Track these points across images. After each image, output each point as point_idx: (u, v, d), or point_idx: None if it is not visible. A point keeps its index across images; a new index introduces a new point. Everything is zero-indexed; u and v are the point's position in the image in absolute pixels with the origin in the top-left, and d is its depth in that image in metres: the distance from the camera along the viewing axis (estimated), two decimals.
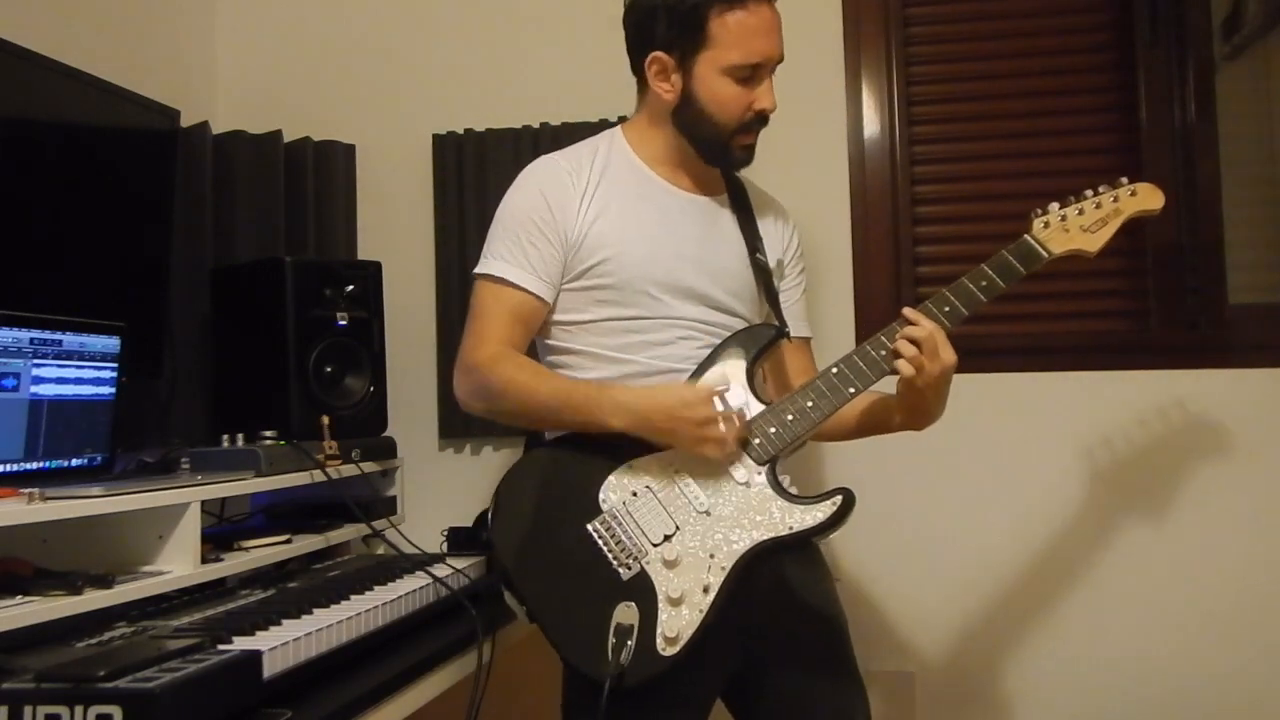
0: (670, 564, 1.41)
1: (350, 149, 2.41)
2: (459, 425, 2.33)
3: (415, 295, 2.34)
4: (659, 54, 1.54)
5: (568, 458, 1.50)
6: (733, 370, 1.52)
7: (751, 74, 1.53)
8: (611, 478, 1.46)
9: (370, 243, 2.39)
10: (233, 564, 1.61)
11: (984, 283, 1.49)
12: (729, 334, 1.58)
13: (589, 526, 1.44)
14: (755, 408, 1.49)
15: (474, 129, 2.34)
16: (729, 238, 1.64)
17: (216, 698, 1.06)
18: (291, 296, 1.93)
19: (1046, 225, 1.52)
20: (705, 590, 1.40)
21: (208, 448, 1.80)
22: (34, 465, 1.52)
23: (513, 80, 2.37)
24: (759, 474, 1.46)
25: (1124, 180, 1.55)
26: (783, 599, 1.55)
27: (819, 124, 2.26)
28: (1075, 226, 1.52)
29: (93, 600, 1.30)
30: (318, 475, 1.81)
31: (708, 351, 1.55)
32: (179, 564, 1.48)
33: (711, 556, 1.41)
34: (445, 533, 1.98)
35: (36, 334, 1.52)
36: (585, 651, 1.38)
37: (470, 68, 2.40)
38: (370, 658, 1.38)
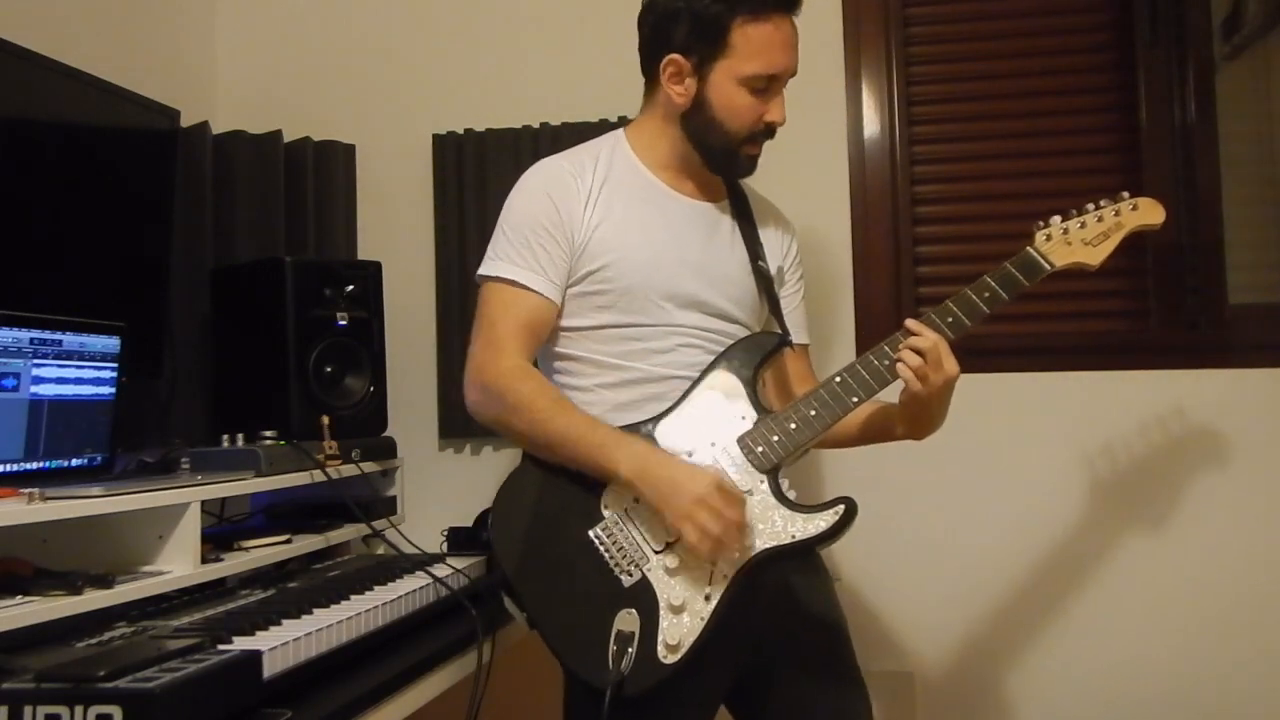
0: (672, 571, 1.41)
1: (350, 149, 2.41)
2: (459, 425, 2.33)
3: (415, 295, 2.34)
4: (676, 57, 1.53)
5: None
6: (731, 380, 1.51)
7: (766, 86, 1.53)
8: (612, 485, 1.45)
9: (370, 243, 2.39)
10: (233, 564, 1.61)
11: (987, 294, 1.49)
12: (730, 342, 1.57)
13: (590, 533, 1.44)
14: (756, 416, 1.49)
15: (474, 129, 2.34)
16: (731, 245, 1.64)
17: (216, 698, 1.06)
18: (291, 296, 1.93)
19: (1049, 238, 1.52)
20: (707, 598, 1.39)
21: (208, 448, 1.80)
22: (34, 465, 1.52)
23: (513, 80, 2.37)
24: (762, 482, 1.45)
25: (1125, 194, 1.55)
26: (784, 605, 1.54)
27: (819, 124, 2.26)
28: (1077, 239, 1.52)
29: (93, 600, 1.30)
30: (318, 475, 1.81)
31: (707, 358, 1.54)
32: (179, 564, 1.48)
33: (713, 564, 1.41)
34: (445, 533, 1.98)
35: (36, 334, 1.52)
36: (586, 658, 1.38)
37: (470, 68, 2.40)
38: (370, 658, 1.38)
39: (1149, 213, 1.54)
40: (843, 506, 1.42)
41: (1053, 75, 2.26)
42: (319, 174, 2.35)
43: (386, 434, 2.10)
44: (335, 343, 1.99)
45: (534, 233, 1.54)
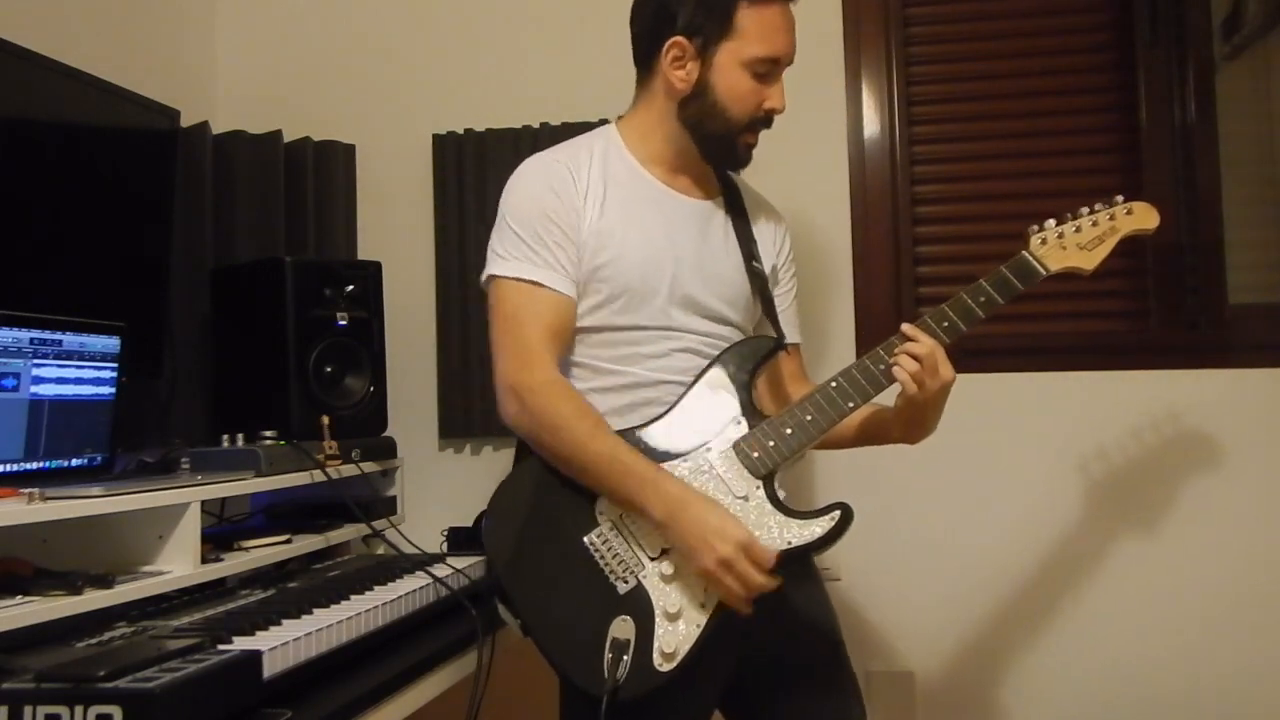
0: (668, 579, 1.40)
1: (350, 149, 2.41)
2: (459, 425, 2.33)
3: (415, 295, 2.34)
4: (680, 39, 1.52)
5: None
6: (726, 384, 1.50)
7: (769, 71, 1.52)
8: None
9: (370, 243, 2.39)
10: (233, 564, 1.61)
11: (982, 299, 1.49)
12: (722, 345, 1.56)
13: (585, 539, 1.43)
14: (751, 420, 1.48)
15: (474, 129, 2.34)
16: (725, 243, 1.62)
17: (216, 698, 1.06)
18: (291, 296, 1.93)
19: (1044, 242, 1.52)
20: (703, 606, 1.39)
21: (208, 448, 1.80)
22: (34, 465, 1.52)
23: (513, 80, 2.37)
24: (757, 488, 1.44)
25: (1119, 198, 1.55)
26: (778, 612, 1.53)
27: (819, 124, 2.26)
28: (1072, 244, 1.52)
29: (93, 600, 1.30)
30: (318, 475, 1.81)
31: (701, 361, 1.53)
32: (179, 564, 1.47)
33: None
34: (445, 533, 1.98)
35: (36, 334, 1.52)
36: (580, 666, 1.37)
37: (470, 68, 2.40)
38: (370, 658, 1.37)
39: (1143, 217, 1.54)
40: (839, 512, 1.41)
41: (1053, 75, 2.26)
42: (319, 174, 2.35)
43: (386, 434, 2.10)
44: (335, 343, 1.99)
45: (544, 227, 1.50)
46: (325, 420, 1.91)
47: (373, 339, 2.07)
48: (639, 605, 1.39)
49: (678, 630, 1.38)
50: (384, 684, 1.30)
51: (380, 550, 1.99)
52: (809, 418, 1.46)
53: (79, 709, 0.97)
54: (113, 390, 1.66)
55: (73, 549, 1.44)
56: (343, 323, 2.00)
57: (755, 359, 1.53)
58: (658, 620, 1.38)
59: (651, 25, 1.55)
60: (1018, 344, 2.20)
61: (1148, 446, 2.14)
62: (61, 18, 1.97)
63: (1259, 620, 2.08)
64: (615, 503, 1.43)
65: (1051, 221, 1.53)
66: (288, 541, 1.75)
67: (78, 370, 1.59)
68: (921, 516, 2.20)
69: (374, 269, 2.11)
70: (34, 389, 1.52)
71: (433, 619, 1.57)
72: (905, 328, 1.47)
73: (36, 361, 1.52)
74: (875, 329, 2.21)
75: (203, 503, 1.53)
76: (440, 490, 2.31)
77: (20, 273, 1.64)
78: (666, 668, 1.36)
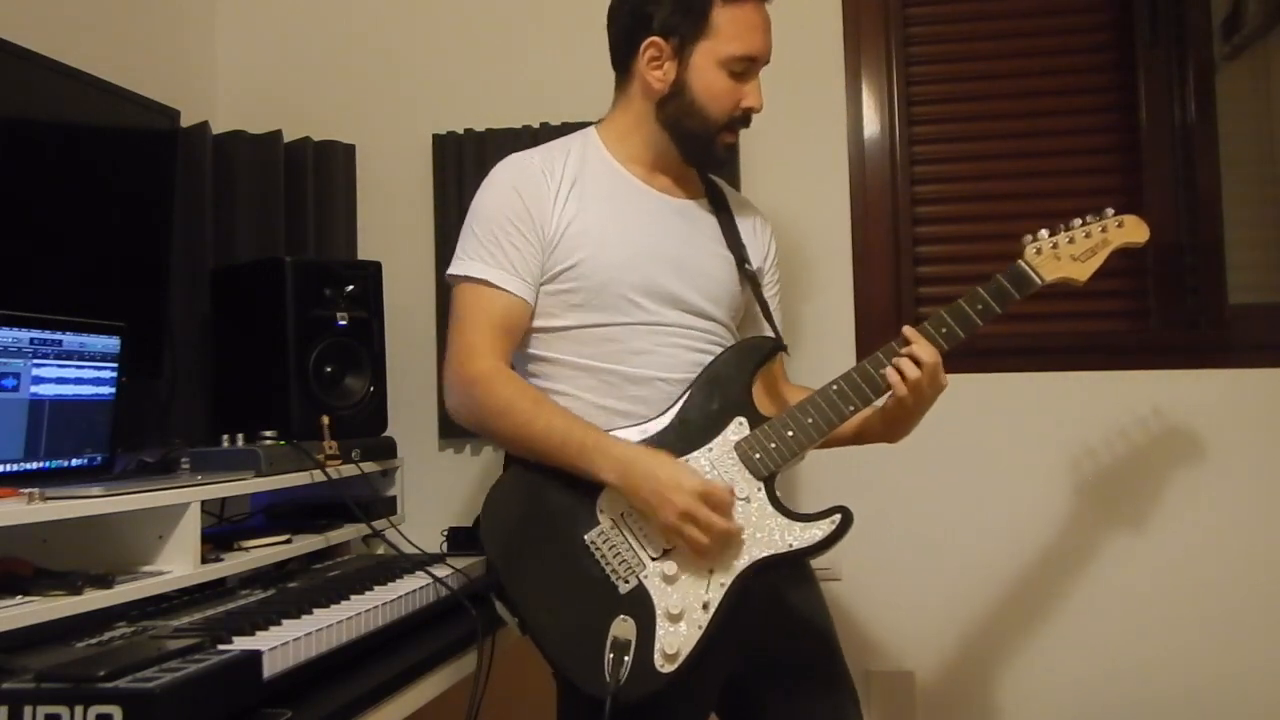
0: (669, 579, 1.40)
1: (350, 149, 2.41)
2: (459, 425, 2.32)
3: (415, 295, 2.34)
4: (656, 39, 1.53)
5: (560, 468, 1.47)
6: (729, 389, 1.50)
7: (745, 69, 1.53)
8: (608, 489, 1.44)
9: (370, 243, 2.39)
10: (233, 564, 1.60)
11: (980, 306, 1.50)
12: (706, 339, 1.56)
13: (586, 538, 1.43)
14: (753, 422, 1.49)
15: (474, 129, 2.33)
16: (709, 242, 1.62)
17: (216, 698, 1.06)
18: (291, 296, 1.93)
19: (1039, 251, 1.53)
20: (705, 607, 1.39)
21: (208, 448, 1.80)
22: (34, 465, 1.52)
23: (513, 80, 2.37)
24: (759, 489, 1.44)
25: (1110, 211, 1.56)
26: (775, 612, 1.54)
27: (819, 124, 2.26)
28: (1066, 254, 1.53)
29: (93, 600, 1.29)
30: (318, 475, 1.80)
31: (687, 356, 1.54)
32: (179, 564, 1.47)
33: (711, 572, 1.40)
34: (445, 533, 1.97)
35: (36, 334, 1.52)
36: (581, 666, 1.37)
37: (470, 68, 2.40)
38: (370, 658, 1.37)
39: (1133, 230, 1.56)
40: (839, 516, 1.41)
41: (1053, 75, 2.26)
42: (319, 174, 2.35)
43: (386, 434, 2.10)
44: (335, 343, 1.99)
45: (502, 230, 1.52)
46: (325, 420, 1.90)
47: (373, 339, 2.07)
48: (640, 605, 1.39)
49: (680, 631, 1.38)
50: (384, 684, 1.30)
51: (380, 550, 1.99)
52: (810, 420, 1.47)
53: (79, 709, 0.97)
54: (113, 390, 1.66)
55: (73, 549, 1.44)
56: (343, 323, 2.00)
57: (756, 359, 1.54)
58: (659, 621, 1.38)
59: (628, 26, 1.57)
60: (1017, 344, 2.20)
61: (1147, 447, 2.14)
62: (61, 18, 1.97)
63: (1259, 620, 2.08)
64: (567, 469, 1.44)
65: (1044, 231, 1.54)
66: (288, 541, 1.75)
67: (78, 370, 1.59)
68: (922, 517, 2.20)
69: (374, 269, 2.11)
70: (34, 389, 1.52)
71: (433, 619, 1.57)
72: (907, 331, 1.48)
73: (36, 361, 1.52)
74: (875, 329, 2.21)
75: (203, 503, 1.53)
76: (440, 490, 2.31)
77: (20, 273, 1.64)
78: (668, 669, 1.36)
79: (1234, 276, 2.16)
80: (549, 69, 2.36)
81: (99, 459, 1.64)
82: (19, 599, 1.25)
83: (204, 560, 1.53)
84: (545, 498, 1.47)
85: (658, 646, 1.37)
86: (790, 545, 1.41)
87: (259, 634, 1.25)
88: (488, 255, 1.52)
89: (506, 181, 1.56)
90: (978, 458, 2.18)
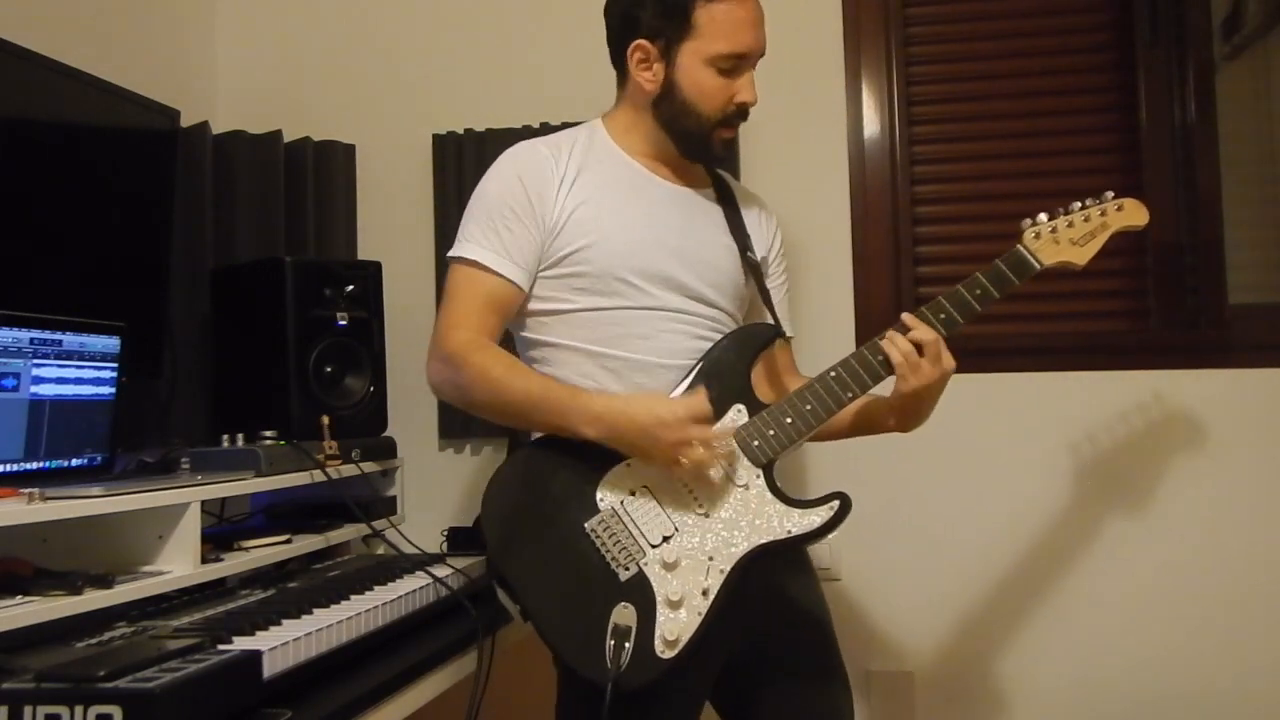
0: (669, 566, 1.41)
1: (350, 149, 2.41)
2: (459, 425, 2.33)
3: (415, 295, 2.34)
4: (643, 42, 1.54)
5: (561, 455, 1.48)
6: (728, 376, 1.51)
7: (734, 66, 1.53)
8: (609, 476, 1.45)
9: (370, 243, 2.39)
10: (233, 564, 1.61)
11: (978, 291, 1.50)
12: (709, 325, 1.57)
13: (586, 525, 1.44)
14: (752, 409, 1.49)
15: (474, 129, 2.33)
16: (713, 231, 1.63)
17: (216, 698, 1.06)
18: (291, 296, 1.93)
19: (1037, 236, 1.53)
20: (704, 593, 1.40)
21: (208, 448, 1.80)
22: (34, 465, 1.52)
23: (513, 80, 2.37)
24: (757, 476, 1.45)
25: (1109, 194, 1.56)
26: (772, 601, 1.55)
27: (819, 124, 2.26)
28: (1065, 238, 1.53)
29: (93, 600, 1.30)
30: (318, 475, 1.81)
31: (689, 343, 1.54)
32: (179, 564, 1.47)
33: (710, 559, 1.41)
34: (445, 533, 1.98)
35: (36, 334, 1.52)
36: (582, 652, 1.38)
37: (470, 68, 2.40)
38: (370, 658, 1.38)
39: (1133, 214, 1.55)
40: (837, 502, 1.42)
41: (1053, 75, 2.26)
42: (319, 174, 2.35)
43: (386, 434, 2.10)
44: (335, 343, 1.99)
45: (500, 215, 1.54)
46: (325, 420, 1.91)
47: (373, 339, 2.07)
48: (640, 593, 1.40)
49: (680, 618, 1.38)
50: (384, 684, 1.30)
51: (380, 550, 1.99)
52: (808, 407, 1.47)
53: (79, 709, 0.97)
54: (113, 390, 1.66)
55: (73, 549, 1.44)
56: (343, 323, 2.00)
57: (755, 346, 1.55)
58: (659, 607, 1.39)
59: (617, 29, 1.59)
60: (1017, 344, 2.20)
61: (1147, 446, 2.14)
62: (61, 18, 1.97)
63: (1259, 619, 2.08)
64: (550, 431, 1.47)
65: (1044, 216, 1.54)
66: (288, 541, 1.75)
67: (78, 370, 1.59)
68: (922, 517, 2.20)
69: (374, 269, 2.11)
70: (34, 389, 1.52)
71: (433, 619, 1.57)
72: (905, 317, 1.49)
73: (36, 361, 1.52)
74: (875, 329, 2.18)
75: (203, 503, 1.53)
76: (440, 490, 2.31)
77: (20, 273, 1.64)
78: (669, 655, 1.37)
79: (1234, 276, 2.16)
80: (549, 69, 2.36)
81: (99, 459, 1.64)
82: (19, 599, 1.25)
83: (204, 560, 1.53)
84: (546, 486, 1.47)
85: (658, 633, 1.38)
86: (789, 531, 1.42)
87: (259, 634, 1.25)
88: (484, 238, 1.54)
89: (510, 168, 1.58)
90: (977, 458, 2.18)
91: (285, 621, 1.32)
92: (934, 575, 2.19)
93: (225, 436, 1.79)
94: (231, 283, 2.06)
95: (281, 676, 1.19)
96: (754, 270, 1.64)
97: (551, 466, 1.48)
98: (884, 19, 2.28)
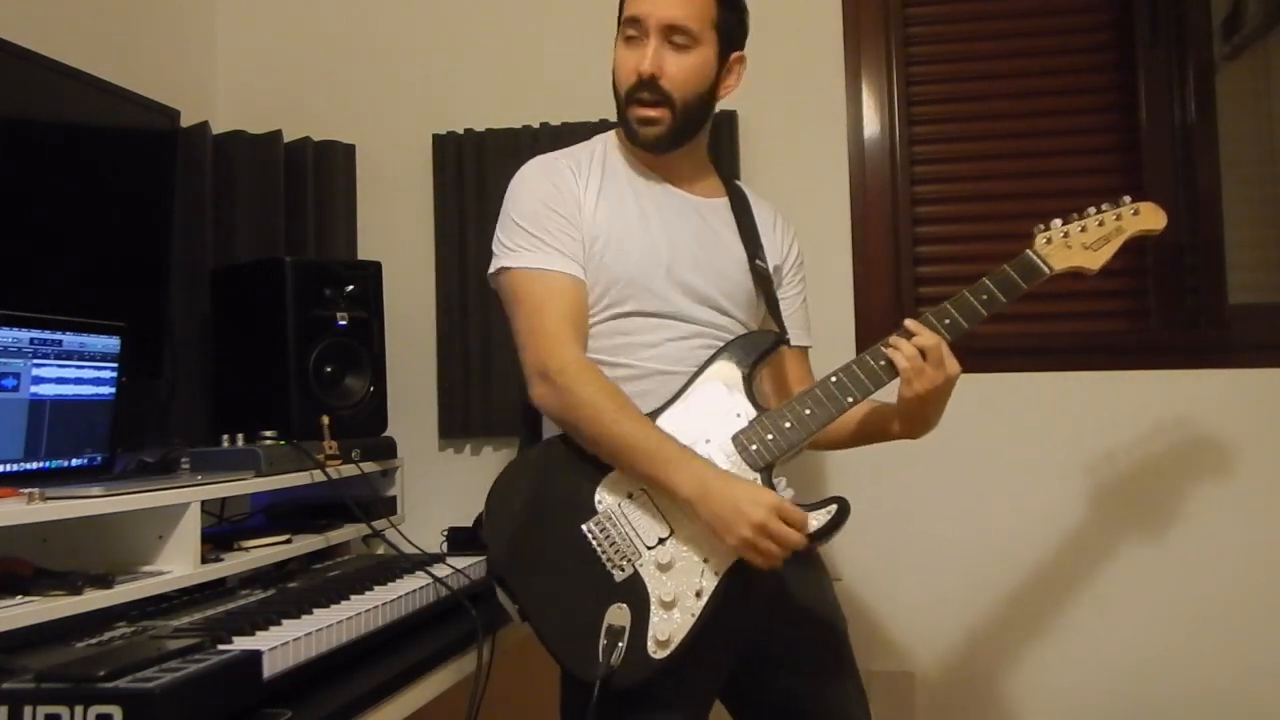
0: (664, 567, 1.41)
1: (350, 149, 2.41)
2: (459, 425, 2.33)
3: (415, 295, 2.34)
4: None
5: (564, 458, 1.49)
6: (728, 376, 1.51)
7: (636, 35, 1.53)
8: (609, 478, 1.46)
9: (370, 243, 2.39)
10: (233, 564, 1.61)
11: (985, 296, 1.50)
12: (720, 335, 1.57)
13: (583, 526, 1.44)
14: (751, 414, 1.49)
15: (474, 129, 2.34)
16: (726, 241, 1.63)
17: (216, 698, 1.06)
18: (291, 296, 1.93)
19: (1049, 241, 1.52)
20: (698, 595, 1.40)
21: (208, 448, 1.80)
22: (34, 465, 1.52)
23: (513, 80, 2.37)
24: (755, 479, 1.45)
25: (1127, 199, 1.55)
26: (779, 600, 1.55)
27: (819, 124, 2.26)
28: (1077, 243, 1.52)
29: (93, 600, 1.30)
30: (318, 475, 1.81)
31: (696, 351, 1.54)
32: (179, 564, 1.48)
33: (705, 561, 1.41)
34: (445, 533, 1.98)
35: (36, 334, 1.52)
36: (576, 651, 1.38)
37: (470, 68, 2.40)
38: (370, 658, 1.38)
39: (1150, 218, 1.54)
40: (835, 506, 1.41)
41: (1053, 75, 2.26)
42: (319, 174, 2.35)
43: (386, 434, 2.10)
44: (335, 343, 1.99)
45: (547, 217, 1.53)
46: (325, 420, 1.91)
47: (373, 339, 2.07)
48: (635, 593, 1.40)
49: (672, 618, 1.39)
50: (384, 684, 1.30)
51: (380, 550, 1.99)
52: (808, 412, 1.47)
53: (79, 709, 0.97)
54: (113, 390, 1.66)
55: (73, 549, 1.44)
56: (343, 323, 2.00)
57: (757, 352, 1.54)
58: (653, 608, 1.39)
59: None
60: (1018, 344, 2.20)
61: (1147, 446, 2.14)
62: (61, 18, 1.97)
63: (1259, 619, 2.08)
64: (641, 480, 1.44)
65: (1057, 221, 1.53)
66: (288, 541, 1.75)
67: (78, 370, 1.59)
68: (921, 516, 2.20)
69: (374, 269, 2.11)
70: (34, 389, 1.52)
71: (433, 619, 1.57)
72: (909, 322, 1.48)
73: (36, 361, 1.52)
74: (875, 329, 2.21)
75: (203, 503, 1.53)
76: (440, 490, 2.31)
77: (20, 273, 1.64)
78: (660, 655, 1.37)
79: (1234, 276, 2.16)
80: (549, 69, 2.36)
81: (99, 459, 1.64)
82: (19, 599, 1.26)
83: (204, 560, 1.53)
84: (546, 486, 1.48)
85: (650, 633, 1.38)
86: None
87: (259, 634, 1.25)
88: (540, 244, 1.52)
89: (541, 175, 1.58)
90: (977, 458, 2.18)
91: (285, 621, 1.32)
92: (934, 574, 2.19)
93: (225, 436, 1.79)
94: (231, 283, 2.06)
95: (281, 676, 1.19)
96: (763, 280, 1.64)
97: (556, 467, 1.48)
98: (884, 19, 2.28)
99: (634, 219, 1.57)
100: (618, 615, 1.38)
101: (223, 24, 2.49)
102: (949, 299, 1.50)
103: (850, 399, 1.48)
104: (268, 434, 1.83)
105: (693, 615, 1.39)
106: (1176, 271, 2.18)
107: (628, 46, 1.55)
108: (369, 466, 1.96)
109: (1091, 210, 1.54)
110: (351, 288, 2.03)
